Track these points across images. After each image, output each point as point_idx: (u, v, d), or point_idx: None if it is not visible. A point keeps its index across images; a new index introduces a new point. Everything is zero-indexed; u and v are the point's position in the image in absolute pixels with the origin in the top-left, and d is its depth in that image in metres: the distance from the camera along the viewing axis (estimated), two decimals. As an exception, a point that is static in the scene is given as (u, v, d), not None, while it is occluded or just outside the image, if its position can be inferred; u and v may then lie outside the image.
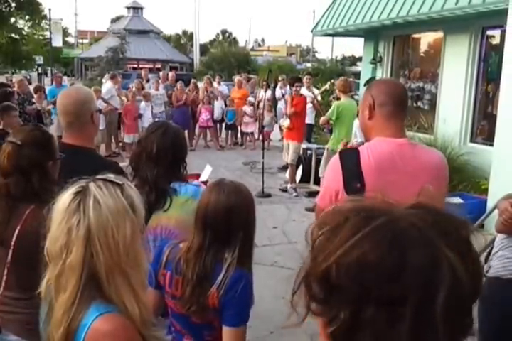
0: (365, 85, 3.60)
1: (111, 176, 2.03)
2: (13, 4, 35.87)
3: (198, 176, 7.23)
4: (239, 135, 18.87)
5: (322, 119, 11.05)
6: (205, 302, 2.73)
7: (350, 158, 3.09)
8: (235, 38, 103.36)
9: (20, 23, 40.10)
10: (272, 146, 16.42)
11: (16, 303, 3.01)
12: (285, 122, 11.92)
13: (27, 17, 38.03)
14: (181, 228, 3.35)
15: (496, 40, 12.56)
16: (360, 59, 57.19)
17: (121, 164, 3.88)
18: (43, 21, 41.17)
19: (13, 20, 37.79)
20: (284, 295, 6.70)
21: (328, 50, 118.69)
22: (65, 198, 1.91)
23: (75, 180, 1.97)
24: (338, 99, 11.16)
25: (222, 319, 2.76)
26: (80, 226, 1.85)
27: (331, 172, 3.26)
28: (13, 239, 2.97)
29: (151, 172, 3.41)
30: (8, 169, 3.02)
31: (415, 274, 1.00)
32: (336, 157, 3.19)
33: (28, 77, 40.17)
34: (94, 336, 1.83)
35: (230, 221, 2.78)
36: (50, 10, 42.14)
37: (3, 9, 35.30)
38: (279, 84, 18.95)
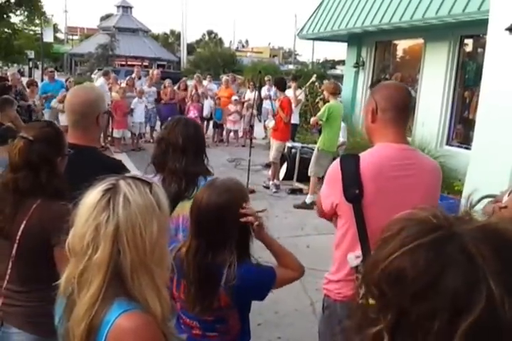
0: (370, 88, 3.67)
1: (140, 175, 2.06)
2: (13, 0, 35.53)
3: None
4: (224, 133, 19.23)
5: (312, 120, 11.34)
6: (213, 303, 2.75)
7: (349, 164, 3.07)
8: (220, 39, 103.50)
9: (15, 19, 39.87)
10: (256, 144, 16.40)
11: (18, 296, 3.03)
12: (270, 123, 12.21)
13: (26, 13, 37.60)
14: None
15: (473, 49, 13.12)
16: (339, 62, 57.81)
17: None
18: (42, 17, 40.89)
19: (11, 15, 37.48)
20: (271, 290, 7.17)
21: (309, 53, 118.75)
22: (94, 195, 1.89)
23: (103, 177, 1.96)
24: (327, 101, 11.44)
25: (239, 314, 2.86)
26: (109, 223, 1.84)
27: (330, 179, 3.23)
28: (19, 233, 2.96)
29: (180, 163, 3.56)
30: (19, 164, 3.03)
31: (445, 297, 1.02)
32: (336, 163, 3.17)
33: (22, 70, 40.17)
34: (117, 333, 1.83)
35: (223, 221, 2.78)
36: (43, 5, 42.38)
37: (3, 5, 34.94)
38: (267, 85, 19.42)
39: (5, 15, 35.63)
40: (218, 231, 2.78)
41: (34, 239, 2.96)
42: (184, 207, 3.45)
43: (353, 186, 3.00)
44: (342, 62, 65.44)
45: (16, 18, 38.79)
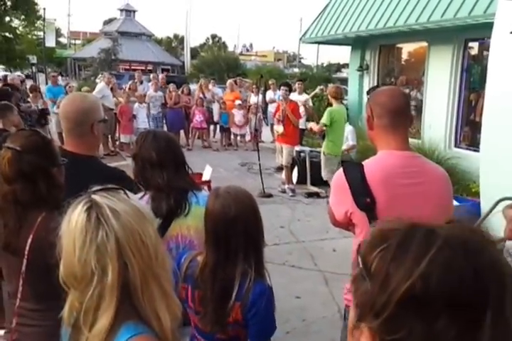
0: (367, 94, 3.61)
1: (106, 185, 1.96)
2: (9, 3, 35.52)
3: (200, 175, 7.58)
4: (232, 136, 19.23)
5: (318, 128, 11.29)
6: (228, 319, 2.68)
7: (354, 172, 3.02)
8: (224, 43, 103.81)
9: (15, 23, 39.86)
10: (265, 147, 16.49)
11: (33, 315, 2.89)
12: (279, 129, 12.16)
13: (22, 16, 37.63)
14: (200, 238, 3.24)
15: (477, 52, 13.14)
16: (344, 66, 57.88)
17: (122, 163, 3.83)
18: (38, 21, 40.94)
19: (7, 19, 37.50)
20: (298, 295, 6.99)
21: (314, 56, 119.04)
22: (77, 218, 1.79)
23: (69, 201, 1.87)
24: (330, 104, 11.48)
25: (248, 334, 2.74)
26: (110, 240, 1.76)
27: (337, 188, 3.17)
28: (27, 248, 2.82)
29: (162, 178, 3.37)
30: (11, 175, 2.89)
31: (491, 275, 1.05)
32: (340, 173, 3.11)
33: (30, 74, 40.14)
34: None
35: (241, 231, 2.71)
36: (44, 9, 42.35)
37: None
38: (271, 88, 19.43)
39: (3, 20, 35.54)
40: (236, 243, 2.71)
41: (43, 254, 2.68)
42: (181, 225, 3.37)
43: (362, 194, 2.95)
44: (347, 65, 65.67)
45: (16, 22, 38.82)
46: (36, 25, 40.70)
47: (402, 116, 3.15)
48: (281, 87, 12.71)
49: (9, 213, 2.90)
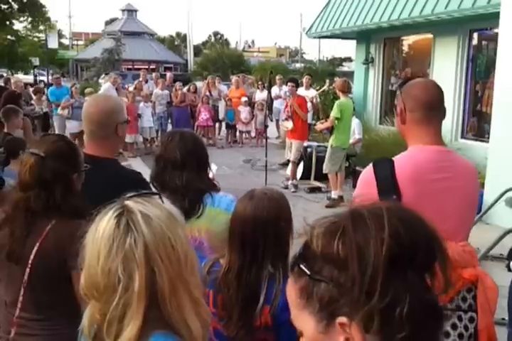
0: (400, 87, 3.54)
1: (141, 190, 1.90)
2: (16, 6, 35.48)
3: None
4: (237, 133, 19.31)
5: (329, 122, 11.22)
6: (256, 323, 2.60)
7: (384, 169, 2.93)
8: (226, 40, 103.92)
9: (19, 26, 39.92)
10: (269, 143, 16.16)
11: (33, 325, 2.81)
12: (289, 125, 12.17)
13: (29, 19, 37.57)
14: (210, 240, 3.27)
15: (482, 42, 13.17)
16: (345, 59, 57.62)
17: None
18: (46, 23, 40.91)
19: (12, 22, 37.49)
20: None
21: (316, 51, 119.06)
22: (106, 225, 1.72)
23: (101, 207, 1.80)
24: (337, 98, 11.52)
25: (276, 338, 2.64)
26: (138, 246, 1.68)
27: (364, 184, 3.08)
28: (31, 257, 2.73)
29: (180, 179, 3.28)
30: (30, 182, 2.79)
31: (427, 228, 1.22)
32: (369, 168, 3.02)
33: (38, 75, 40.17)
34: None
35: (271, 234, 2.64)
36: (47, 11, 42.47)
37: (5, 11, 34.88)
38: (277, 84, 19.43)
39: (8, 22, 35.49)
40: (265, 246, 2.63)
41: (49, 263, 2.73)
42: (192, 227, 3.21)
43: (389, 192, 2.84)
44: (348, 59, 65.83)
45: (20, 25, 38.81)
46: (43, 27, 40.57)
47: (436, 109, 3.07)
48: (288, 83, 12.72)
49: (18, 221, 2.80)
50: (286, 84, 13.46)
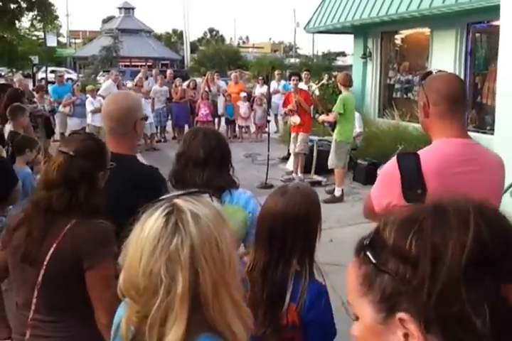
0: (421, 80, 3.51)
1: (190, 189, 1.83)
2: (24, 5, 35.17)
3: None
4: (237, 128, 19.41)
5: (333, 116, 11.14)
6: (282, 321, 2.54)
7: (409, 163, 2.89)
8: (222, 36, 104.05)
9: (26, 24, 39.67)
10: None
11: (47, 326, 2.78)
12: (296, 119, 12.16)
13: (38, 18, 37.27)
14: None
15: (481, 35, 13.22)
16: (339, 54, 57.47)
17: None
18: (54, 22, 40.64)
19: (19, 21, 37.28)
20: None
21: (309, 46, 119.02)
22: (153, 224, 1.65)
23: (148, 206, 1.74)
24: (339, 92, 11.51)
25: (304, 337, 2.58)
26: (184, 247, 1.61)
27: (386, 178, 3.06)
28: (47, 258, 2.69)
29: (200, 177, 3.23)
30: (56, 181, 2.76)
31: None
32: (393, 162, 2.97)
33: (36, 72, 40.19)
34: None
35: (299, 231, 2.59)
36: (56, 9, 42.35)
37: (15, 10, 34.58)
38: (276, 79, 19.54)
39: (16, 21, 35.30)
40: (293, 242, 2.57)
41: (63, 264, 2.71)
42: None
43: (414, 186, 2.81)
44: (342, 54, 65.66)
45: (25, 24, 38.64)
46: (51, 25, 40.31)
47: (460, 102, 3.04)
48: (292, 77, 12.77)
49: (36, 221, 2.77)
50: (289, 79, 13.46)
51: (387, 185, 3.02)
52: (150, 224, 1.65)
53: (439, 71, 3.18)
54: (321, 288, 2.62)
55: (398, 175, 2.87)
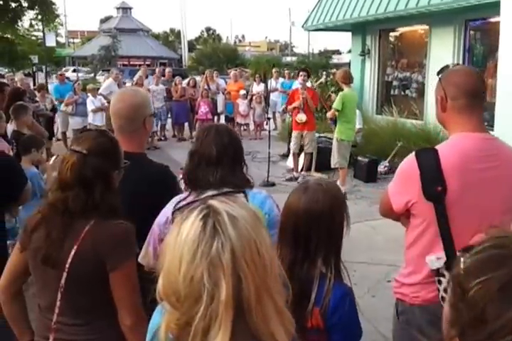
0: (438, 74, 3.49)
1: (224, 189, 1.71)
2: (25, 4, 35.03)
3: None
4: (236, 126, 19.33)
5: (330, 113, 11.17)
6: (307, 324, 2.44)
7: (428, 159, 2.84)
8: (218, 35, 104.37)
9: (26, 23, 39.61)
10: (267, 135, 16.09)
11: (72, 330, 2.73)
12: (303, 117, 12.08)
13: (39, 16, 37.16)
14: None
15: (478, 32, 13.31)
16: (334, 52, 57.50)
17: None
18: (56, 21, 40.59)
19: (23, 19, 37.23)
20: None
21: (305, 44, 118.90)
22: (190, 227, 1.58)
23: (182, 207, 1.69)
24: (341, 89, 11.46)
25: (332, 340, 2.49)
26: (225, 251, 1.54)
27: (405, 175, 3.00)
28: (68, 260, 2.63)
29: (213, 176, 3.08)
30: (70, 181, 2.69)
31: None
32: (411, 159, 2.92)
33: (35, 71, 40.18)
34: None
35: (325, 228, 2.52)
36: (57, 8, 42.32)
37: (16, 9, 34.44)
38: (274, 76, 19.61)
39: (18, 20, 35.21)
40: (318, 240, 2.50)
41: (86, 266, 2.65)
42: None
43: (434, 183, 2.77)
44: (337, 52, 65.80)
45: (24, 24, 38.61)
46: (53, 24, 40.24)
47: (479, 97, 2.99)
48: (300, 73, 12.62)
49: (54, 222, 2.71)
50: (298, 75, 13.26)
51: (406, 182, 2.98)
52: (187, 228, 1.58)
53: (457, 64, 3.17)
54: (345, 290, 2.51)
55: (417, 172, 2.83)
